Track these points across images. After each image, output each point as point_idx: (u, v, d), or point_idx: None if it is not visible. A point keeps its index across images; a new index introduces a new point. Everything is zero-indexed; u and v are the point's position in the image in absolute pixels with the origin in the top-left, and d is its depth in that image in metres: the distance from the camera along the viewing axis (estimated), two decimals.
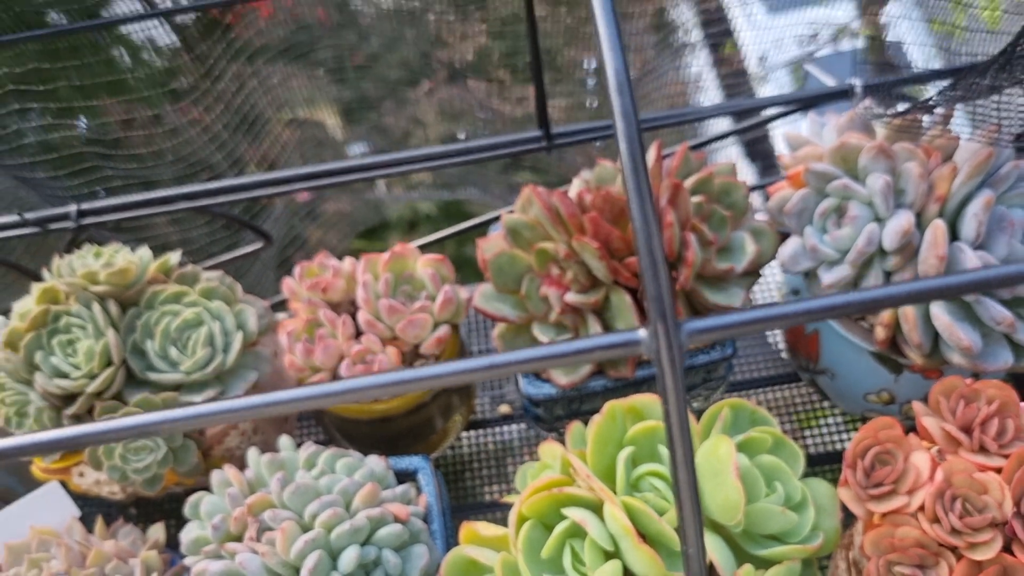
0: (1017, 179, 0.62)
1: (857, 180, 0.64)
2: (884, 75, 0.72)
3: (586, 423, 0.59)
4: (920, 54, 0.71)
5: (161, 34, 1.33)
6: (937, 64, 0.69)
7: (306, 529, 0.57)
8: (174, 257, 0.70)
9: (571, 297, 0.64)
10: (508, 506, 0.79)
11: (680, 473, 0.27)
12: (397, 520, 0.59)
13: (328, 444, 0.65)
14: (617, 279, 0.64)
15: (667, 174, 0.66)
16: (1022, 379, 0.77)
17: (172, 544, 0.70)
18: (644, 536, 0.52)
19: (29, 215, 0.71)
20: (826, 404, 0.82)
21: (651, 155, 0.70)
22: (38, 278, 0.69)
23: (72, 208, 0.71)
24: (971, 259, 0.60)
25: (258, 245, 0.82)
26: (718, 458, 0.54)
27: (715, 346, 0.69)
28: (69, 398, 0.65)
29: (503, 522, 0.58)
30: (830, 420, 0.81)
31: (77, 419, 0.64)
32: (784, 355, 0.86)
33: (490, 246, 0.68)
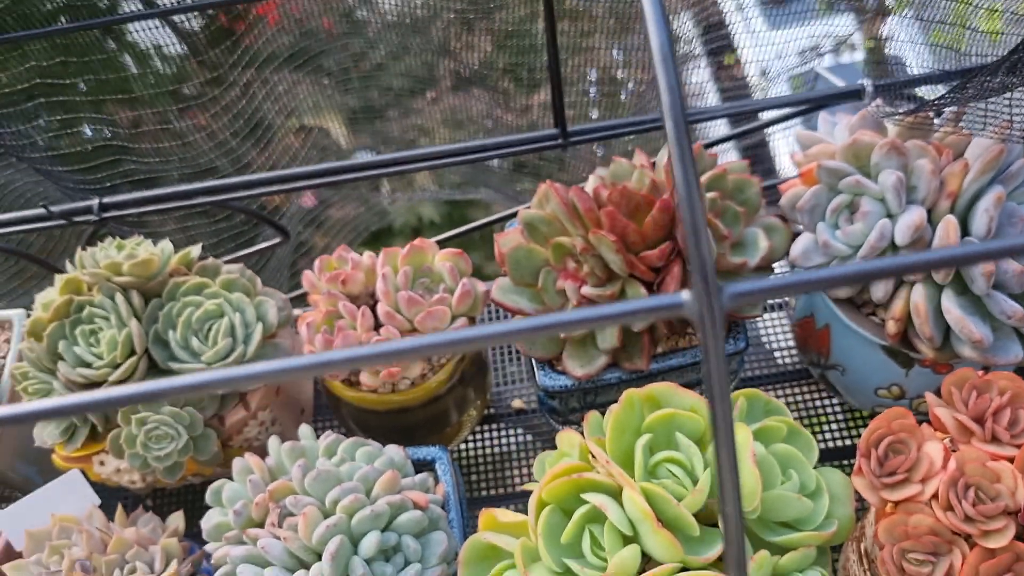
0: None
1: (869, 177, 0.65)
2: (894, 76, 0.73)
3: (601, 415, 0.60)
4: (920, 58, 0.72)
5: (169, 39, 1.34)
6: (946, 65, 0.70)
7: (327, 515, 0.58)
8: (195, 250, 0.71)
9: (587, 290, 0.65)
10: (521, 498, 0.80)
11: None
12: (416, 507, 0.60)
13: (345, 436, 0.66)
14: (633, 272, 0.65)
15: None
16: None
17: (190, 534, 0.70)
18: (662, 520, 0.53)
19: (54, 208, 0.72)
20: (835, 400, 0.83)
21: (663, 155, 0.71)
22: (58, 271, 0.70)
23: (94, 202, 0.72)
24: None
25: (275, 241, 0.83)
26: (735, 445, 0.55)
27: (728, 340, 0.70)
28: (92, 387, 0.66)
29: (519, 513, 0.59)
30: (840, 416, 0.82)
31: None
32: (791, 354, 0.87)
33: (507, 240, 0.69)
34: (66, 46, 1.11)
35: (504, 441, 0.84)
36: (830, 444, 0.81)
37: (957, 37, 0.68)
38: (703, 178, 0.68)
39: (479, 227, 1.08)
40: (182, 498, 0.82)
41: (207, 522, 0.61)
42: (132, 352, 0.66)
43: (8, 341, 0.78)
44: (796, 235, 0.70)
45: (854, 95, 0.73)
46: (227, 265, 0.71)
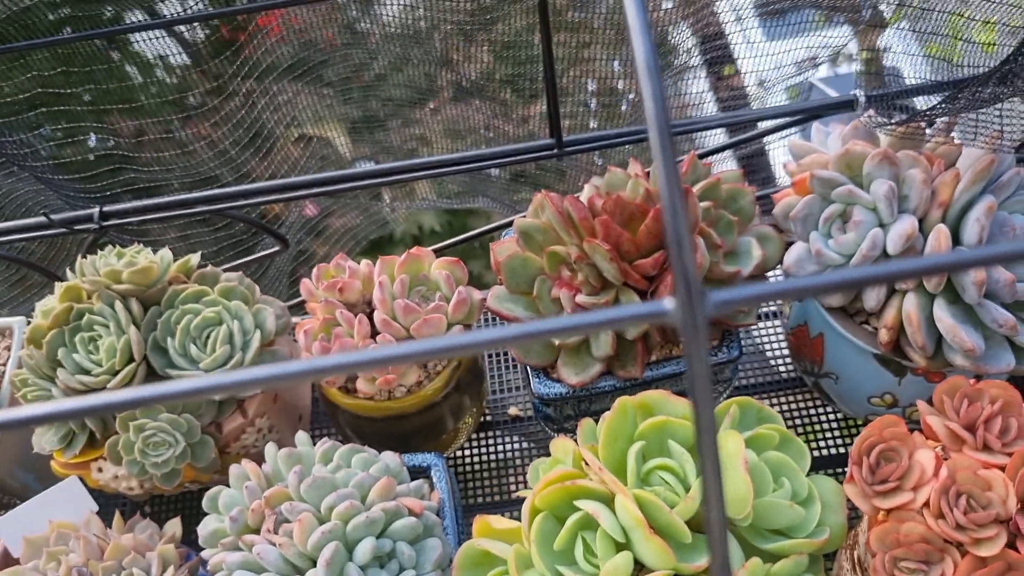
0: (1018, 186, 0.64)
1: (861, 186, 0.66)
2: (887, 87, 0.74)
3: (595, 422, 0.61)
4: (914, 69, 0.73)
5: (172, 50, 1.35)
6: (938, 76, 0.71)
7: (323, 521, 0.59)
8: (195, 258, 0.71)
9: (582, 298, 0.66)
10: (516, 505, 0.80)
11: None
12: (411, 514, 0.60)
13: (342, 442, 0.67)
14: (627, 281, 0.66)
15: None
16: (1023, 381, 0.79)
17: (187, 541, 0.71)
18: (654, 528, 0.53)
19: (55, 216, 0.72)
20: (829, 408, 0.83)
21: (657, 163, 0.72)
22: (58, 279, 0.71)
23: (95, 210, 0.73)
24: None
25: (274, 249, 0.84)
26: (727, 453, 0.56)
27: (722, 348, 0.71)
28: (90, 393, 0.66)
29: (514, 520, 0.59)
30: (833, 424, 0.82)
31: None
32: (785, 362, 0.87)
33: (503, 249, 0.70)
34: (69, 56, 1.12)
35: (500, 448, 0.84)
36: (824, 452, 0.81)
37: (950, 48, 0.69)
38: (697, 187, 0.68)
39: (477, 236, 1.09)
40: (180, 504, 0.83)
41: (204, 528, 0.62)
42: (131, 359, 0.66)
43: (8, 348, 0.79)
44: (790, 244, 0.70)
45: (847, 106, 0.74)
46: (226, 273, 0.71)
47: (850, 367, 0.71)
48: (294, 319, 0.81)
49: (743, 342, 0.82)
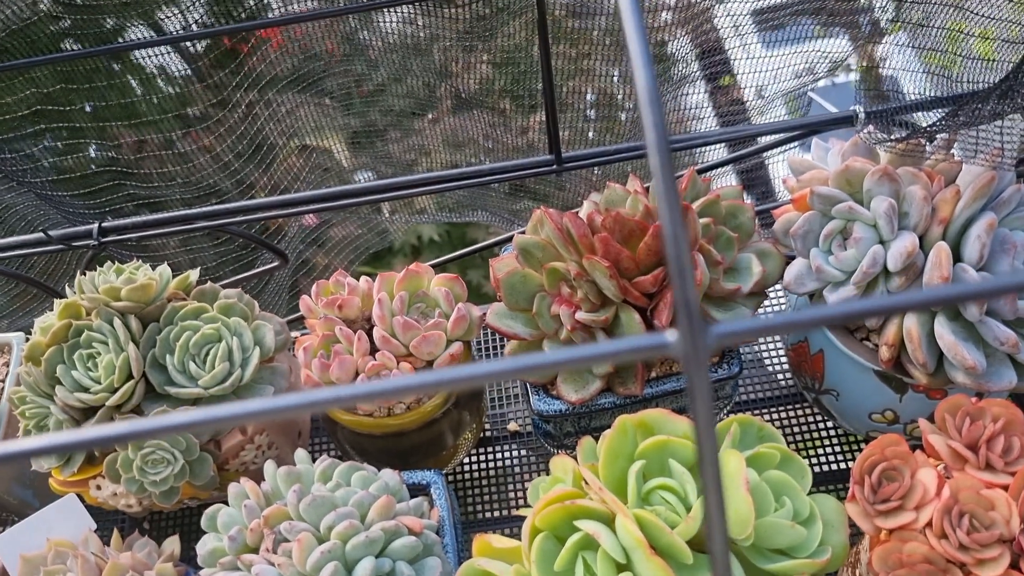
0: (1019, 203, 0.64)
1: (861, 203, 0.66)
2: (886, 102, 0.74)
3: (595, 439, 0.61)
4: (914, 85, 0.73)
5: (173, 61, 1.35)
6: (938, 91, 0.71)
7: (322, 541, 0.58)
8: (194, 274, 0.71)
9: (581, 315, 0.65)
10: (516, 522, 0.80)
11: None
12: (411, 533, 0.60)
13: (341, 459, 0.66)
14: (626, 298, 0.65)
15: None
16: None
17: (185, 558, 0.70)
18: (655, 548, 0.53)
19: (53, 232, 0.72)
20: (830, 424, 0.83)
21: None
22: (58, 295, 0.71)
23: (94, 226, 0.73)
24: (974, 280, 0.61)
25: (274, 264, 0.84)
26: (728, 473, 0.55)
27: (722, 365, 0.71)
28: (89, 411, 0.66)
29: (513, 537, 0.59)
30: (834, 440, 0.82)
31: None
32: (785, 377, 0.87)
33: (502, 265, 0.69)
34: (70, 71, 1.12)
35: (499, 464, 0.84)
36: (824, 468, 0.81)
37: (949, 62, 0.69)
38: (696, 204, 0.68)
39: (477, 251, 1.09)
40: (178, 521, 0.82)
41: (202, 547, 0.61)
42: (130, 376, 0.66)
43: (7, 364, 0.79)
44: (790, 259, 0.70)
45: (846, 121, 0.74)
46: (225, 290, 0.71)
47: (851, 384, 0.71)
48: (294, 333, 0.81)
49: (743, 356, 0.82)
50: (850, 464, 0.80)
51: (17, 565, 0.65)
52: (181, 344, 0.67)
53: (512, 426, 0.85)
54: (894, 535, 0.56)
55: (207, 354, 0.67)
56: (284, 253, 0.83)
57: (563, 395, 0.68)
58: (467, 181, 0.78)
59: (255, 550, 0.60)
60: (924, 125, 0.69)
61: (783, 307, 0.92)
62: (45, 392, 0.66)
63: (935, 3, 0.68)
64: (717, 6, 1.06)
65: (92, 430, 0.28)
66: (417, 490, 0.68)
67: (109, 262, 0.71)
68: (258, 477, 0.64)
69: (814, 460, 0.81)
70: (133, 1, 1.13)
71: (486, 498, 0.82)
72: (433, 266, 0.96)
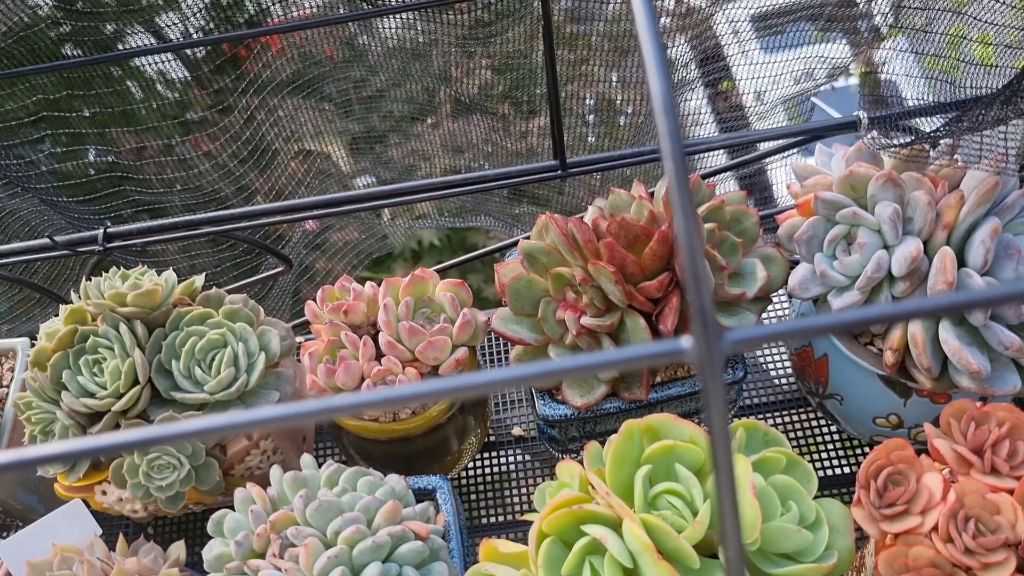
0: (1023, 208, 0.64)
1: (866, 208, 0.66)
2: (889, 108, 0.74)
3: (601, 444, 0.61)
4: (915, 90, 0.73)
5: (174, 68, 1.36)
6: (941, 97, 0.71)
7: (329, 546, 0.58)
8: (199, 280, 0.71)
9: (587, 320, 0.66)
10: (522, 527, 0.80)
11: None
12: (417, 537, 0.60)
13: (346, 464, 0.67)
14: (632, 303, 0.66)
15: None
16: None
17: (190, 564, 0.70)
18: (663, 553, 0.53)
19: (59, 238, 0.72)
20: (834, 428, 0.83)
21: (662, 186, 0.72)
22: (63, 300, 0.71)
23: (99, 232, 0.73)
24: (979, 285, 0.61)
25: (278, 269, 0.84)
26: (734, 477, 0.55)
27: (726, 370, 0.71)
28: (95, 417, 0.66)
29: (519, 542, 0.59)
30: (838, 444, 0.82)
31: None
32: (788, 381, 0.87)
33: (508, 270, 0.70)
34: (70, 77, 1.12)
35: (504, 468, 0.84)
36: (828, 472, 0.81)
37: (951, 67, 0.69)
38: (701, 209, 0.68)
39: (481, 256, 1.09)
40: (184, 526, 0.82)
41: (208, 552, 0.61)
42: (135, 382, 0.66)
43: (12, 370, 0.79)
44: (794, 264, 0.70)
45: (850, 127, 0.74)
46: (230, 295, 0.71)
47: (855, 388, 0.71)
48: (298, 339, 0.81)
49: (747, 361, 0.82)
50: (854, 469, 0.80)
51: (23, 570, 0.65)
52: (187, 349, 0.67)
53: (517, 431, 0.85)
54: (900, 539, 0.56)
55: (213, 359, 0.67)
56: (289, 258, 0.83)
57: (568, 400, 0.68)
58: (472, 187, 0.79)
59: (262, 555, 0.60)
60: (928, 131, 0.69)
61: (787, 312, 0.92)
62: (51, 397, 0.66)
63: (935, 8, 0.68)
64: (717, 12, 1.06)
65: (99, 438, 0.28)
66: (423, 495, 0.68)
67: (114, 268, 0.71)
68: (263, 482, 0.64)
69: (818, 464, 0.81)
70: (134, 8, 1.13)
71: (491, 503, 0.82)
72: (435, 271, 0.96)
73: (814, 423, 0.84)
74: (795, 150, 0.94)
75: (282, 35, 1.46)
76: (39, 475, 0.70)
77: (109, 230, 0.73)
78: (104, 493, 0.69)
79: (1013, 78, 0.62)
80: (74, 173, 1.14)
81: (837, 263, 0.67)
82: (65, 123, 1.13)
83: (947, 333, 0.62)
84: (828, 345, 0.71)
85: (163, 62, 1.26)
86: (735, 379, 0.70)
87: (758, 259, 0.68)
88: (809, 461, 0.83)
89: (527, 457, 0.85)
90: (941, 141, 0.67)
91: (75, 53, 1.23)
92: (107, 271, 0.71)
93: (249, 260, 1.18)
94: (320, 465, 0.65)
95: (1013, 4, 0.64)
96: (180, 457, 0.66)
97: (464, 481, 0.83)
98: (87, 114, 1.19)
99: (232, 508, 0.63)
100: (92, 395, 0.66)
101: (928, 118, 0.71)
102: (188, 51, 1.35)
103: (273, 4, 1.11)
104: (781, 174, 1.23)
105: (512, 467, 0.84)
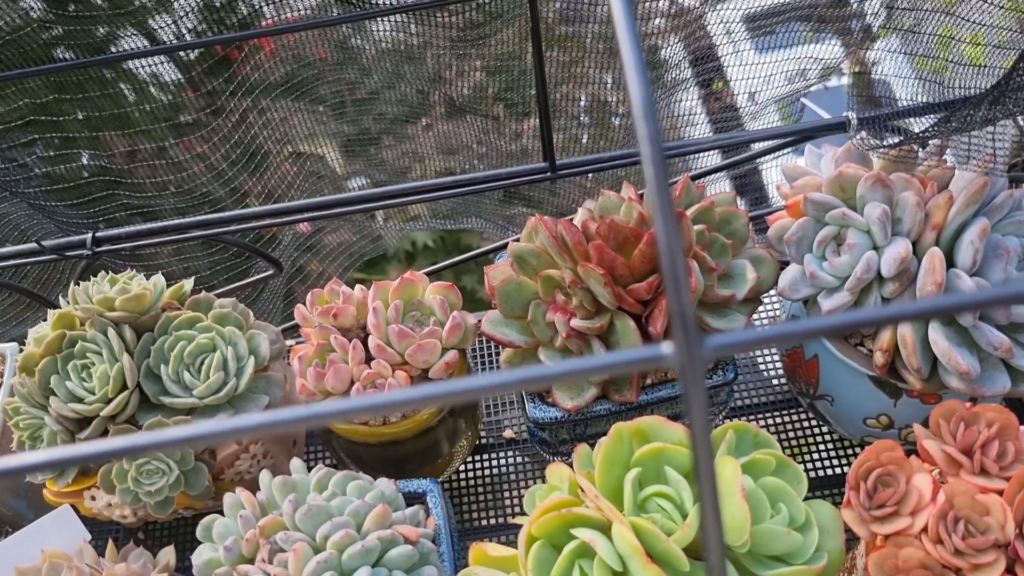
0: (1011, 208, 0.64)
1: (855, 209, 0.66)
2: (879, 108, 0.74)
3: (591, 446, 0.61)
4: (906, 90, 0.73)
5: (166, 70, 1.35)
6: (930, 97, 0.71)
7: (318, 550, 0.58)
8: (188, 284, 0.71)
9: (576, 323, 0.66)
10: (513, 529, 0.80)
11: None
12: (407, 541, 0.60)
13: (337, 467, 0.66)
14: (621, 305, 0.66)
15: None
16: (1019, 404, 0.79)
17: (180, 569, 0.70)
18: (652, 556, 0.53)
19: (46, 243, 0.72)
20: (824, 428, 0.83)
21: None
22: (52, 305, 0.70)
23: (87, 236, 0.72)
24: (968, 285, 0.61)
25: (269, 272, 0.84)
26: (724, 479, 0.55)
27: (717, 371, 0.71)
28: (83, 422, 0.66)
29: (510, 545, 0.59)
30: (828, 444, 0.82)
31: None
32: (781, 382, 0.87)
33: (497, 273, 0.69)
34: (62, 80, 1.12)
35: (495, 471, 0.84)
36: (820, 472, 0.81)
37: (941, 68, 0.69)
38: (690, 211, 0.68)
39: (472, 257, 1.09)
40: (173, 531, 0.82)
41: (198, 558, 0.61)
42: (124, 387, 0.66)
43: (1, 375, 0.78)
44: (784, 265, 0.70)
45: (839, 127, 0.74)
46: (220, 299, 0.71)
47: (845, 389, 0.71)
48: (289, 342, 0.81)
49: (737, 362, 0.82)
50: (844, 469, 0.80)
51: None
52: (176, 354, 0.67)
53: (508, 433, 0.85)
54: (890, 541, 0.56)
55: (202, 364, 0.67)
56: (279, 262, 0.83)
57: (559, 402, 0.68)
58: (461, 189, 0.78)
59: (251, 560, 0.60)
60: (917, 131, 0.69)
61: (777, 312, 0.92)
62: (39, 403, 0.66)
63: (926, 9, 0.68)
64: (710, 12, 1.06)
65: (87, 446, 0.28)
66: (413, 498, 0.68)
67: (103, 272, 0.71)
68: (253, 487, 0.64)
69: (809, 465, 0.81)
70: (126, 10, 1.13)
71: (482, 506, 0.82)
72: (428, 273, 0.96)
73: (805, 424, 0.84)
74: (788, 150, 0.94)
75: (274, 38, 1.46)
76: (28, 480, 0.69)
77: (98, 234, 0.73)
78: (93, 498, 0.69)
79: (1001, 78, 0.62)
80: (66, 176, 1.14)
81: (827, 264, 0.67)
82: (57, 127, 1.13)
83: (936, 334, 0.62)
84: (818, 346, 0.71)
85: (156, 64, 1.26)
86: (725, 381, 0.70)
87: (748, 260, 0.68)
88: (800, 462, 0.83)
89: (519, 459, 0.84)
90: (930, 142, 0.68)
91: (67, 56, 1.23)
92: (97, 276, 0.71)
93: (242, 263, 1.18)
94: (310, 469, 0.65)
95: (1001, 4, 0.64)
96: (169, 462, 0.66)
97: (455, 484, 0.83)
98: (80, 117, 1.18)
99: (222, 513, 0.63)
100: (80, 400, 0.65)
101: (917, 119, 0.71)
102: (181, 54, 1.34)
103: (266, 4, 1.11)
104: (775, 174, 1.23)
105: (504, 469, 0.84)
